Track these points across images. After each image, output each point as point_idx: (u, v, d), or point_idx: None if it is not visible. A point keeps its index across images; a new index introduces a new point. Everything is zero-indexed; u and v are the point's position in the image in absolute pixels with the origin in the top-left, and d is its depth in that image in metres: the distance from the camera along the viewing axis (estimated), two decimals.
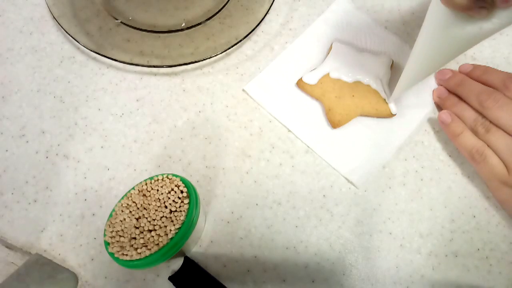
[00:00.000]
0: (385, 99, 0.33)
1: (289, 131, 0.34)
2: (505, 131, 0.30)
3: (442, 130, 0.34)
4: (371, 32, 0.38)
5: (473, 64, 0.35)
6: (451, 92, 0.34)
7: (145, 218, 0.25)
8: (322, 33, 0.37)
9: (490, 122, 0.31)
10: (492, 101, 0.30)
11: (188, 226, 0.25)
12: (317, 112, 0.35)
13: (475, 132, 0.31)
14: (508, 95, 0.30)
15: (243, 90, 0.35)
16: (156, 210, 0.25)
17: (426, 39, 0.27)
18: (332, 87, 0.34)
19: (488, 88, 0.31)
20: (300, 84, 0.35)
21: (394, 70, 0.36)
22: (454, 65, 0.37)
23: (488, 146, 0.30)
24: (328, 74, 0.34)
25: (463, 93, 0.33)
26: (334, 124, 0.34)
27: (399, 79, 0.32)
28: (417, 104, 0.35)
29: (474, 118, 0.31)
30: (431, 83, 0.36)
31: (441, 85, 0.35)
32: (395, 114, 0.34)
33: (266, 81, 0.35)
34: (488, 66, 0.34)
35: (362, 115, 0.34)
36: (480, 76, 0.33)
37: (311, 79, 0.34)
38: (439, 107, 0.35)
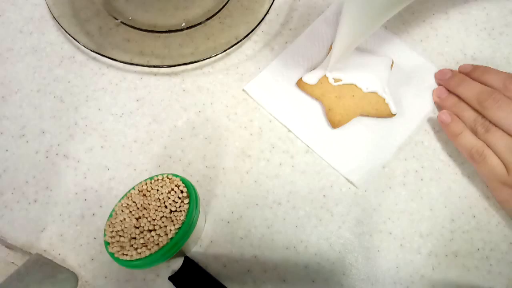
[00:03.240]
0: (385, 99, 0.33)
1: (289, 131, 0.34)
2: (504, 131, 0.30)
3: (442, 130, 0.34)
4: (372, 34, 0.38)
5: (473, 65, 0.35)
6: (451, 92, 0.34)
7: (145, 218, 0.25)
8: (322, 33, 0.37)
9: (490, 122, 0.31)
10: (492, 101, 0.30)
11: (188, 226, 0.25)
12: (317, 112, 0.35)
13: (474, 132, 0.31)
14: (508, 95, 0.30)
15: (243, 90, 0.35)
16: (156, 210, 0.25)
17: (348, 9, 0.27)
18: (332, 87, 0.34)
19: (488, 88, 0.31)
20: (300, 84, 0.35)
21: (394, 70, 0.36)
22: (454, 65, 0.37)
23: (487, 146, 0.30)
24: None
25: (463, 93, 0.33)
26: (334, 124, 0.34)
27: (332, 49, 0.32)
28: (417, 104, 0.35)
29: (473, 118, 0.32)
30: (431, 83, 0.36)
31: (441, 85, 0.35)
32: (395, 114, 0.34)
33: (266, 81, 0.35)
34: (488, 67, 0.34)
35: (362, 115, 0.34)
36: (480, 76, 0.33)
37: (311, 79, 0.34)
38: (439, 107, 0.35)
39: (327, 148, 0.33)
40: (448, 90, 0.35)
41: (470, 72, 0.34)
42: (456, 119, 0.32)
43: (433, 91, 0.35)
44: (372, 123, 0.34)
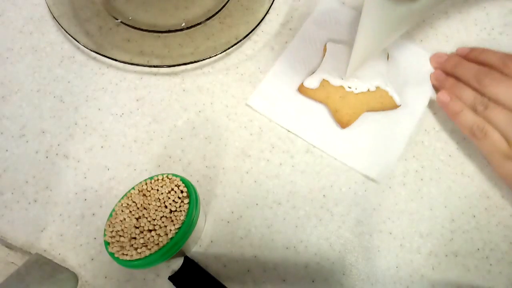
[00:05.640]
0: (388, 92, 0.33)
1: (301, 138, 0.34)
2: (504, 107, 0.30)
3: (442, 130, 0.34)
4: None
5: (469, 48, 0.35)
6: (448, 74, 0.35)
7: (145, 218, 0.25)
8: (313, 35, 0.37)
9: (489, 100, 0.31)
10: (491, 78, 0.31)
11: (188, 226, 0.25)
12: (324, 115, 0.34)
13: (474, 111, 0.31)
14: (507, 72, 0.31)
15: (247, 104, 0.35)
16: (156, 210, 0.25)
17: (366, 20, 0.28)
18: (334, 88, 0.34)
19: (485, 68, 0.32)
20: (302, 89, 0.35)
21: (390, 61, 0.36)
22: (453, 49, 0.37)
23: (488, 122, 0.30)
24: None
25: (461, 74, 0.33)
26: (343, 124, 0.33)
27: (350, 60, 0.32)
28: (418, 91, 0.35)
29: (473, 97, 0.32)
30: (428, 70, 0.36)
31: (438, 68, 0.36)
32: (400, 105, 0.34)
33: (267, 92, 0.35)
34: (485, 48, 0.34)
35: (368, 110, 0.34)
36: (478, 56, 0.33)
37: (312, 83, 0.34)
38: (438, 90, 0.35)
39: (341, 149, 0.33)
40: (446, 74, 0.35)
41: (468, 54, 0.34)
42: (455, 98, 0.32)
43: (430, 75, 0.36)
44: (380, 117, 0.34)
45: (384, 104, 0.34)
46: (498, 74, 0.31)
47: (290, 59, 0.36)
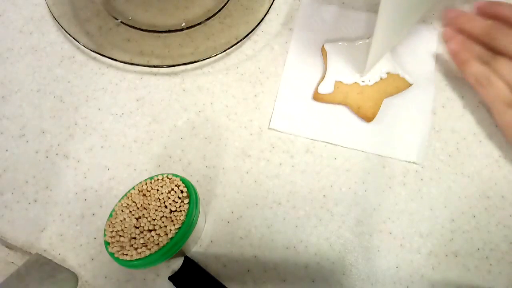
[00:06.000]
0: (399, 74, 0.34)
1: (336, 145, 0.34)
2: (511, 59, 0.30)
3: (442, 130, 0.34)
4: (348, 20, 0.38)
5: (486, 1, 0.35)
6: (459, 31, 0.35)
7: (145, 218, 0.25)
8: (306, 40, 0.37)
9: (498, 54, 0.31)
10: (500, 32, 0.31)
11: (188, 226, 0.25)
12: (346, 115, 0.34)
13: (481, 63, 0.32)
14: None
15: (270, 128, 0.34)
16: (156, 210, 0.25)
17: (385, 11, 0.28)
18: (349, 86, 0.34)
19: (497, 23, 0.32)
20: (318, 97, 0.34)
21: None
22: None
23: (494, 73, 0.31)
24: None
25: (471, 28, 0.34)
26: (369, 118, 0.34)
27: (370, 54, 0.32)
28: (422, 65, 0.36)
29: (481, 52, 0.32)
30: (425, 43, 0.37)
31: (449, 25, 0.36)
32: (412, 84, 0.34)
33: (285, 110, 0.35)
34: (503, 1, 0.34)
35: (386, 97, 0.34)
36: (496, 9, 0.34)
37: (327, 88, 0.34)
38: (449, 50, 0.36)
39: (376, 144, 0.33)
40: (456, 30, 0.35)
41: (484, 7, 0.34)
42: (464, 49, 0.33)
43: (442, 33, 0.36)
44: (398, 101, 0.35)
45: (399, 86, 0.34)
46: (508, 29, 0.31)
47: (294, 71, 0.36)
